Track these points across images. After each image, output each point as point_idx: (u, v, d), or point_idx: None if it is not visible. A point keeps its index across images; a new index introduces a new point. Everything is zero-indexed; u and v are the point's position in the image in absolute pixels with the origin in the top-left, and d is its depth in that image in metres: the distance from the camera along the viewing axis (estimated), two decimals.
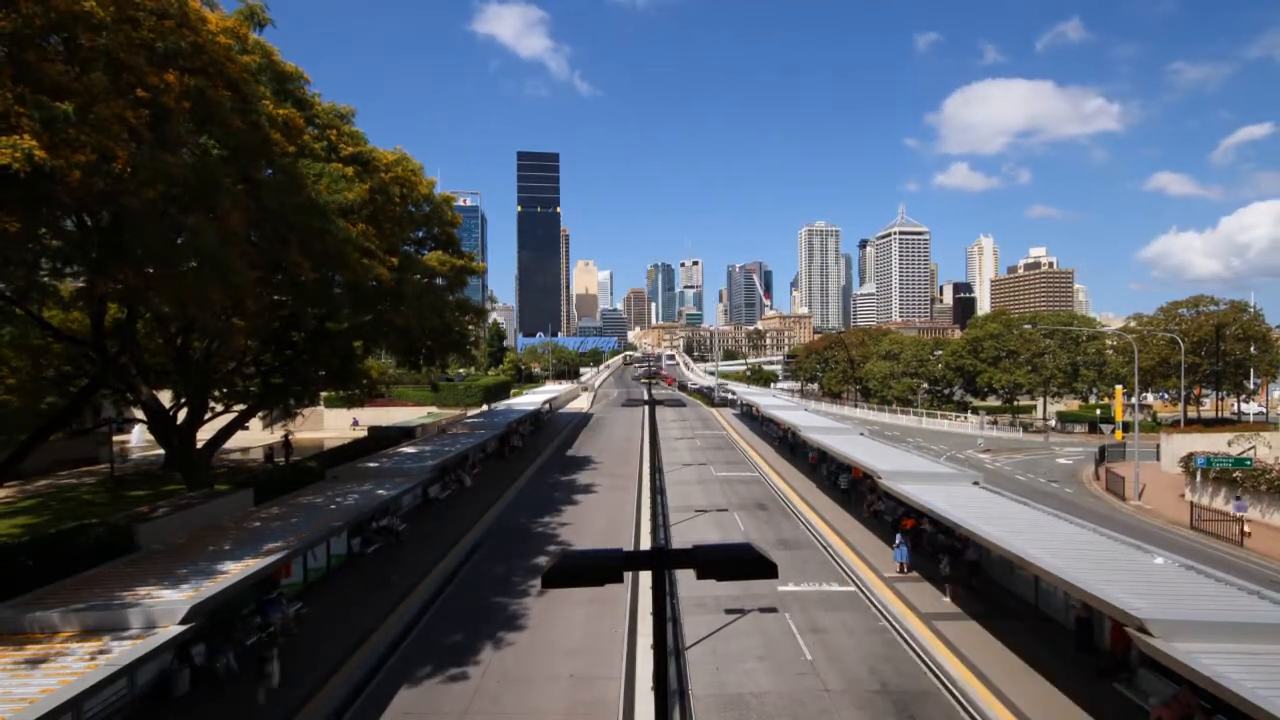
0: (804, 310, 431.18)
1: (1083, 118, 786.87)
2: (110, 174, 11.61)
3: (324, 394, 42.53)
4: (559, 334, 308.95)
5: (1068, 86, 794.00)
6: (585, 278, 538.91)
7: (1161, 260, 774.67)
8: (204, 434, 26.56)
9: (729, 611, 18.66)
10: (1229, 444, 33.94)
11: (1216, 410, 69.53)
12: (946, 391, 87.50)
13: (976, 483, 23.69)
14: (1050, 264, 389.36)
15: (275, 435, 37.78)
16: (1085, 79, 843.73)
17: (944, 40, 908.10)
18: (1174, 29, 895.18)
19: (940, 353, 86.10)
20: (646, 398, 37.08)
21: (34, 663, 10.11)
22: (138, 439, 47.05)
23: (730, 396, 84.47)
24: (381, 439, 37.17)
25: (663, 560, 5.21)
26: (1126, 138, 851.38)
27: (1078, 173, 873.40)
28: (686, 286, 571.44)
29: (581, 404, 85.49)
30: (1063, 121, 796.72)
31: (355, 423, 54.81)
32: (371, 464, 28.19)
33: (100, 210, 13.60)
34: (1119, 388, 46.27)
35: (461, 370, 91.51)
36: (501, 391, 79.71)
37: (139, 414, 27.86)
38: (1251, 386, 68.53)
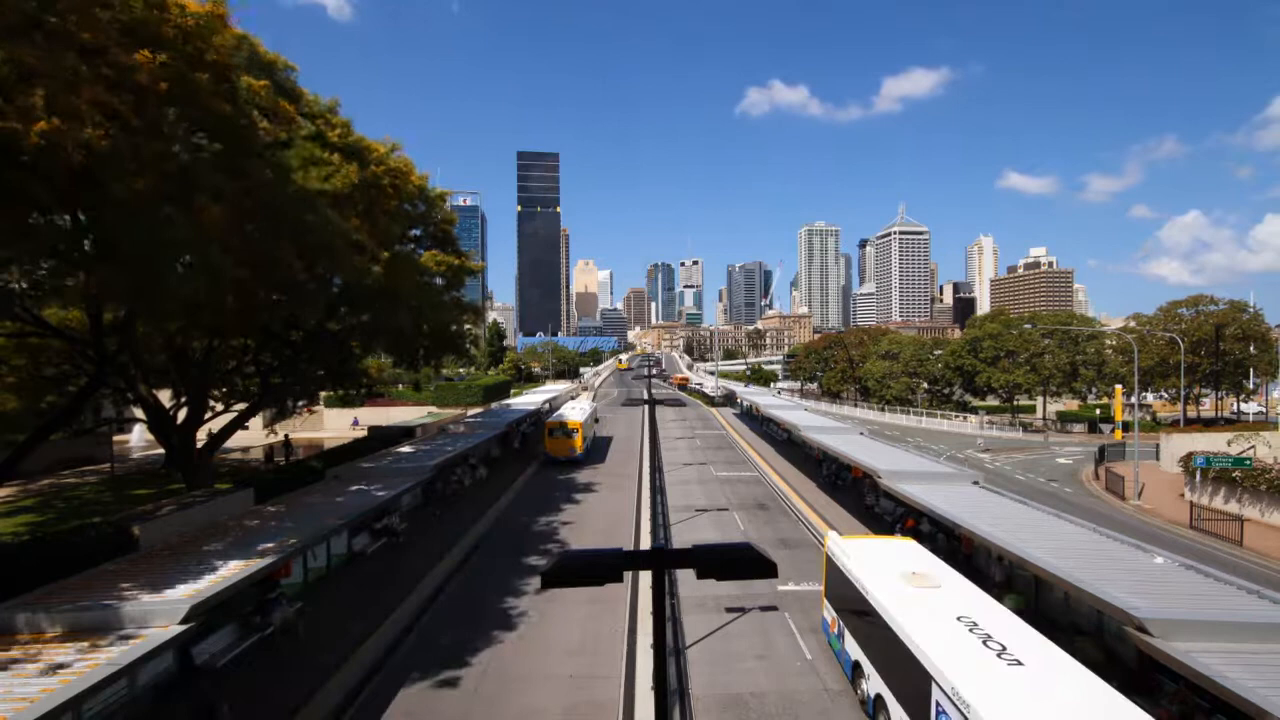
0: (804, 310, 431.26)
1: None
2: (84, 145, 11.09)
3: (324, 394, 42.52)
4: (559, 333, 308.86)
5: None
6: (585, 277, 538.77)
7: None
8: (204, 434, 26.55)
9: (729, 611, 18.67)
10: (1229, 444, 33.97)
11: (1216, 410, 69.65)
12: (946, 391, 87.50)
13: (976, 482, 23.68)
14: (1050, 264, 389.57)
15: (275, 435, 37.78)
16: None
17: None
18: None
19: (940, 352, 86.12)
20: (646, 397, 37.06)
21: (34, 662, 10.12)
22: (138, 438, 47.07)
23: (730, 395, 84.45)
24: (381, 439, 37.16)
25: (663, 560, 5.23)
26: None
27: None
28: (686, 286, 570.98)
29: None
30: None
31: (355, 423, 54.89)
32: (371, 464, 28.19)
33: (85, 198, 13.18)
34: (1118, 387, 46.27)
35: (461, 370, 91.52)
36: (501, 391, 79.64)
37: (139, 413, 27.84)
38: (1251, 386, 68.57)
